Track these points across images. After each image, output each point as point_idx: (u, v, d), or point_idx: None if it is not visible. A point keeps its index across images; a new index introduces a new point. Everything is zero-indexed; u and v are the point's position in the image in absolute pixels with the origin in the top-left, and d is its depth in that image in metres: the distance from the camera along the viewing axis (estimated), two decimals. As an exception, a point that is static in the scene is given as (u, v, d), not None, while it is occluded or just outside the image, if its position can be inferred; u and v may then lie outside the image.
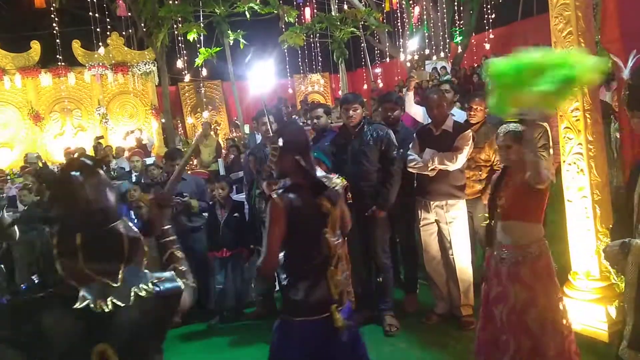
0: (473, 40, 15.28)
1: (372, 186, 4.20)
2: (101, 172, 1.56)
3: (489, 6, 14.67)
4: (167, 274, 1.64)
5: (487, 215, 3.20)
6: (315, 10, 14.63)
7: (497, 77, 2.54)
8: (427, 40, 15.03)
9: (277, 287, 4.44)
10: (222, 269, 4.95)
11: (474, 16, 14.59)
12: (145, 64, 14.41)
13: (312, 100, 16.79)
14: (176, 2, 12.19)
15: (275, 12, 12.47)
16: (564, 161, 3.85)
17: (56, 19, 12.16)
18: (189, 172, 7.29)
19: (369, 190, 4.20)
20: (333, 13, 14.27)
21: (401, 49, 15.78)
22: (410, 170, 4.21)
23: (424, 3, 15.03)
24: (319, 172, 2.49)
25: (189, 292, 1.74)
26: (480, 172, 4.45)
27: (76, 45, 13.73)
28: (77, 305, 1.40)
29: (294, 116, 11.44)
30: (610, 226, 3.72)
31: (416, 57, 15.18)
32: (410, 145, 4.31)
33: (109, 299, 1.43)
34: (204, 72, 13.62)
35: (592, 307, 3.69)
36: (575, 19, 3.65)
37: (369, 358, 2.61)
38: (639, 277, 2.14)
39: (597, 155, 3.70)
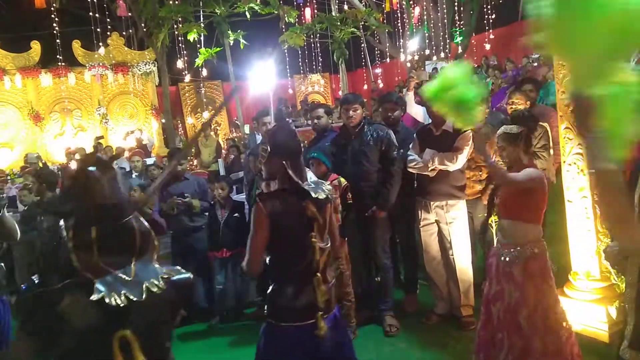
0: (473, 41, 15.26)
1: (372, 186, 4.20)
2: (116, 167, 1.61)
3: (489, 6, 14.66)
4: (176, 268, 1.68)
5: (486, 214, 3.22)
6: (315, 11, 14.62)
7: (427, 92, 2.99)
8: (427, 41, 15.02)
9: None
10: (222, 269, 4.95)
11: (474, 16, 14.57)
12: (145, 64, 14.41)
13: (312, 100, 16.79)
14: (176, 2, 12.19)
15: (276, 12, 12.45)
16: (564, 161, 3.85)
17: (56, 19, 12.15)
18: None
19: (369, 191, 4.20)
20: (333, 13, 14.26)
21: (401, 49, 15.77)
22: (410, 170, 4.21)
23: (424, 3, 15.02)
24: (312, 177, 2.48)
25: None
26: (480, 173, 4.45)
27: (76, 45, 13.73)
28: (93, 298, 1.44)
29: (291, 118, 11.43)
30: (611, 226, 3.72)
31: (416, 57, 15.17)
32: (411, 146, 4.31)
33: (122, 293, 1.47)
34: (204, 72, 13.61)
35: (593, 308, 3.69)
36: (575, 19, 3.64)
37: None
38: (640, 278, 2.14)
39: (597, 156, 3.70)
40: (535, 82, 5.35)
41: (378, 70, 17.75)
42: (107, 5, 13.54)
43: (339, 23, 13.58)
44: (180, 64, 13.69)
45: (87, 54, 13.83)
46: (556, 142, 4.31)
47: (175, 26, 12.60)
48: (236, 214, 4.99)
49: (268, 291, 2.45)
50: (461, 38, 15.16)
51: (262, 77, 5.17)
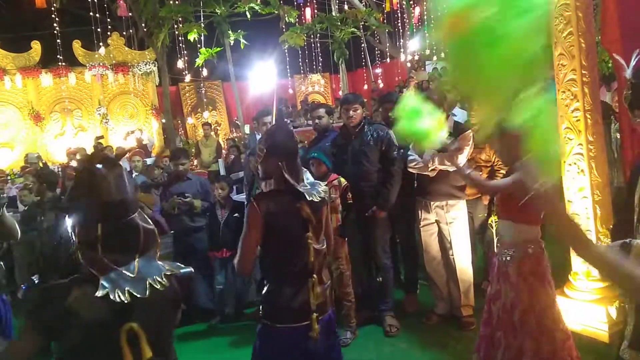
0: (474, 41, 15.27)
1: (372, 186, 4.20)
2: (122, 165, 1.62)
3: (489, 6, 14.64)
4: (177, 264, 1.70)
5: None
6: (315, 11, 14.63)
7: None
8: (427, 41, 15.03)
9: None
10: (222, 269, 4.95)
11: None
12: (145, 64, 14.41)
13: (312, 100, 16.79)
14: (177, 2, 12.19)
15: (276, 12, 12.46)
16: (564, 161, 3.85)
17: (57, 19, 12.16)
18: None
19: (369, 191, 4.20)
20: (333, 13, 14.27)
21: (401, 49, 15.79)
22: (410, 170, 4.21)
23: (425, 3, 15.03)
24: (308, 179, 2.47)
25: None
26: (480, 173, 4.45)
27: (77, 45, 13.74)
28: (98, 294, 1.46)
29: (290, 118, 11.44)
30: (611, 226, 3.72)
31: (416, 57, 15.18)
32: (411, 146, 4.31)
33: (125, 289, 1.48)
34: (205, 72, 13.62)
35: (593, 308, 3.69)
36: (575, 20, 3.65)
37: None
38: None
39: (597, 156, 3.70)
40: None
41: (378, 70, 17.75)
42: (108, 5, 13.55)
43: (339, 23, 13.59)
44: (180, 64, 13.70)
45: (88, 54, 13.83)
46: (556, 142, 4.31)
47: (175, 26, 12.61)
48: (236, 214, 4.99)
49: (263, 292, 2.45)
50: (461, 38, 15.13)
51: (263, 77, 5.17)
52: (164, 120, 14.80)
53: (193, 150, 11.54)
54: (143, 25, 13.68)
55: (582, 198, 3.74)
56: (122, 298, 1.46)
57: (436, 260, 4.29)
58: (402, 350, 3.95)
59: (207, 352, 4.41)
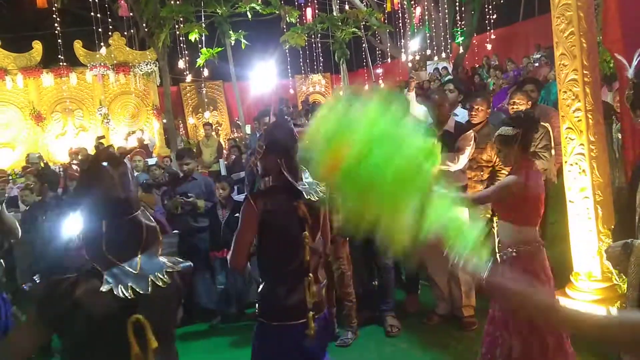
0: (474, 41, 15.26)
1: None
2: (127, 163, 1.65)
3: (490, 6, 14.65)
4: (176, 258, 1.75)
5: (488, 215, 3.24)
6: (316, 11, 14.63)
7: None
8: (428, 41, 15.03)
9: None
10: (223, 269, 4.95)
11: (476, 16, 14.57)
12: (146, 64, 14.41)
13: (313, 100, 16.79)
14: (178, 2, 12.20)
15: (277, 12, 12.46)
16: (565, 162, 3.85)
17: (58, 19, 12.17)
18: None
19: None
20: (334, 13, 14.26)
21: (402, 50, 15.78)
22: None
23: (426, 3, 15.02)
24: (308, 178, 2.46)
25: None
26: (481, 173, 4.43)
27: (78, 45, 13.75)
28: (103, 288, 1.50)
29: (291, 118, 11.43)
30: (612, 227, 3.72)
31: (417, 57, 15.17)
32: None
33: (128, 285, 1.52)
34: (206, 72, 13.62)
35: (594, 308, 3.68)
36: (577, 19, 3.64)
37: None
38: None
39: (599, 156, 3.70)
40: (536, 82, 5.35)
41: (379, 71, 17.74)
42: (109, 5, 13.56)
43: (340, 23, 13.58)
44: (181, 64, 13.71)
45: (89, 54, 13.84)
46: (557, 142, 4.31)
47: (176, 26, 12.62)
48: (237, 214, 4.97)
49: (259, 290, 2.45)
50: (462, 38, 15.16)
51: (264, 77, 5.18)
52: (165, 121, 14.80)
53: (194, 150, 11.54)
54: (144, 25, 13.68)
55: (583, 198, 3.73)
56: (126, 294, 1.50)
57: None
58: (403, 350, 3.95)
59: (208, 352, 4.41)
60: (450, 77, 12.04)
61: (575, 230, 3.81)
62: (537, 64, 11.40)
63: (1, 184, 7.56)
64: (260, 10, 12.11)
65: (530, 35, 14.60)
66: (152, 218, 1.66)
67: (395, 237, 1.39)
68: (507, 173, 3.30)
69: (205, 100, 16.75)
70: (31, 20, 15.42)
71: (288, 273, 2.35)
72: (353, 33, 14.05)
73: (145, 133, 14.09)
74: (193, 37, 12.07)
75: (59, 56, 12.79)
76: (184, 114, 16.98)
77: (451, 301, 4.28)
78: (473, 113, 4.54)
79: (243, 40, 12.44)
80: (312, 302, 2.32)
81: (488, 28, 14.95)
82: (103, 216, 1.55)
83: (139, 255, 1.60)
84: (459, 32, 15.37)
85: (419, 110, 5.57)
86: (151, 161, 9.10)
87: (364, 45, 16.60)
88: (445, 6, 14.62)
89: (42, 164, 9.23)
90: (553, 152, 4.55)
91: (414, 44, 14.27)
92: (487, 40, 15.05)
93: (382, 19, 15.43)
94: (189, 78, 14.58)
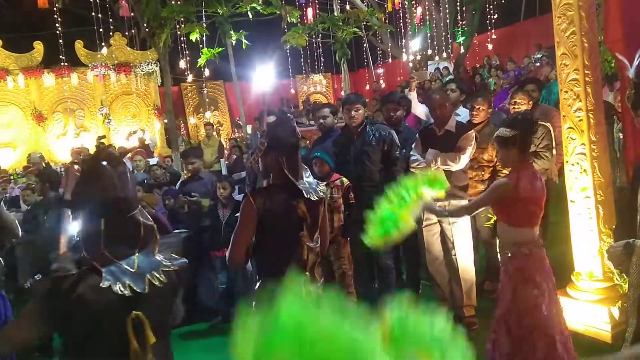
0: (475, 41, 15.26)
1: (374, 186, 4.19)
2: (126, 162, 1.67)
3: (491, 6, 14.64)
4: (172, 255, 1.78)
5: (489, 215, 3.25)
6: (317, 11, 14.63)
7: None
8: (429, 41, 15.01)
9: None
10: (224, 269, 4.95)
11: (477, 16, 14.57)
12: (147, 64, 14.43)
13: (314, 100, 16.79)
14: (179, 2, 12.20)
15: (278, 12, 12.45)
16: (567, 161, 3.84)
17: (59, 19, 12.16)
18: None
19: (371, 191, 4.19)
20: (335, 13, 14.26)
21: (403, 49, 15.76)
22: (412, 170, 4.20)
23: (427, 3, 15.01)
24: (308, 177, 2.46)
25: None
26: (483, 173, 4.44)
27: (79, 45, 13.76)
28: (102, 284, 1.53)
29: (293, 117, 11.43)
30: (614, 227, 3.71)
31: (418, 57, 15.16)
32: (413, 146, 4.30)
33: (126, 283, 1.55)
34: (207, 72, 13.62)
35: (595, 308, 3.68)
36: (578, 19, 3.64)
37: None
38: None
39: (600, 156, 3.69)
40: (537, 82, 5.36)
41: (380, 70, 17.74)
42: (110, 5, 13.56)
43: (341, 23, 13.58)
44: (182, 64, 13.71)
45: (90, 54, 13.85)
46: (559, 142, 4.31)
47: (177, 26, 12.61)
48: (238, 214, 4.99)
49: (255, 287, 2.44)
50: (463, 38, 15.14)
51: (264, 77, 5.18)
52: (166, 121, 14.81)
53: (195, 150, 11.54)
54: (145, 25, 13.67)
55: (584, 198, 3.73)
56: (124, 292, 1.53)
57: (438, 260, 4.28)
58: (404, 350, 3.94)
59: (208, 351, 4.41)
60: (451, 76, 12.04)
61: (577, 230, 3.81)
62: (538, 64, 11.40)
63: (2, 184, 7.58)
64: (261, 11, 12.11)
65: (531, 35, 14.59)
66: (149, 217, 1.68)
67: None
68: (507, 173, 3.30)
69: (207, 100, 16.76)
70: (32, 20, 15.43)
71: (285, 271, 2.35)
72: (354, 33, 14.04)
73: (146, 133, 14.10)
74: (194, 37, 12.06)
75: (60, 56, 12.79)
76: (185, 114, 16.99)
77: (452, 301, 4.28)
78: (474, 113, 4.54)
79: (244, 41, 12.44)
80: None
81: (489, 28, 14.94)
82: (102, 214, 1.58)
83: (137, 254, 1.62)
84: (460, 32, 15.35)
85: (422, 109, 5.56)
86: (152, 161, 9.10)
87: (365, 45, 16.61)
88: (446, 6, 14.61)
89: (43, 164, 9.24)
90: (554, 151, 4.55)
91: (415, 43, 14.25)
92: (488, 40, 15.03)
93: (383, 19, 15.41)
94: (190, 78, 14.59)
